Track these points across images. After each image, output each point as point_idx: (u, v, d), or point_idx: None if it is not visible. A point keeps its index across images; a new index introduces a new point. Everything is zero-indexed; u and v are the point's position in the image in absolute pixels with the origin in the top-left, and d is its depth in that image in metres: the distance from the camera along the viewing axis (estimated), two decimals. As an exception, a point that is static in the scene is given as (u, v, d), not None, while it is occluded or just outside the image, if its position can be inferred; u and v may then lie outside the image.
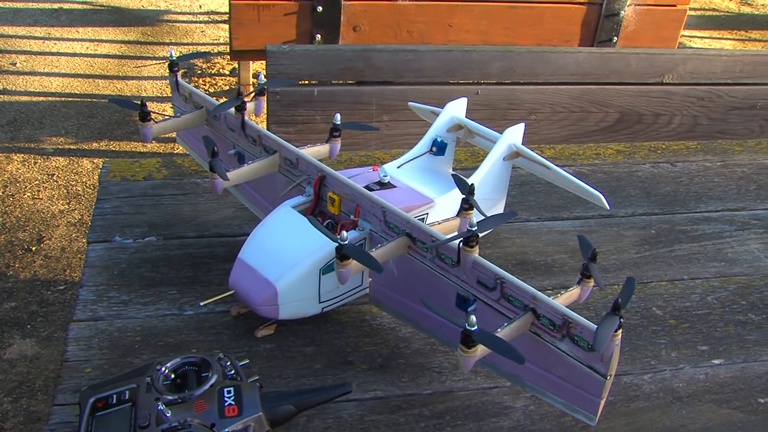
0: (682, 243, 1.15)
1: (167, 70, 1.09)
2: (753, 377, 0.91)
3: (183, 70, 3.43)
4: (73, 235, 2.43)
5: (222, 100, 1.02)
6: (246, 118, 0.99)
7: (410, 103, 1.20)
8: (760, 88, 2.00)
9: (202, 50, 3.69)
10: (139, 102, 0.97)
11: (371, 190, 0.93)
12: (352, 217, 0.89)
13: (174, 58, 1.07)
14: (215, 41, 3.83)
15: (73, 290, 2.19)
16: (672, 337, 0.96)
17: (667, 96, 1.98)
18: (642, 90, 1.97)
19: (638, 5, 2.51)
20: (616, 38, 2.55)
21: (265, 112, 1.77)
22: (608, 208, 1.03)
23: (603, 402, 0.74)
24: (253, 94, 1.04)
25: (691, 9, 3.42)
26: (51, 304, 2.16)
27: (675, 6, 2.57)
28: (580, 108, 1.95)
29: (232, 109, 0.99)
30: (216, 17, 4.10)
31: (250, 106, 1.02)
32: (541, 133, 1.95)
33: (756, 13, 4.87)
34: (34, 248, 2.37)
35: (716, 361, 0.93)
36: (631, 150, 1.42)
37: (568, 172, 1.03)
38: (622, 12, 2.49)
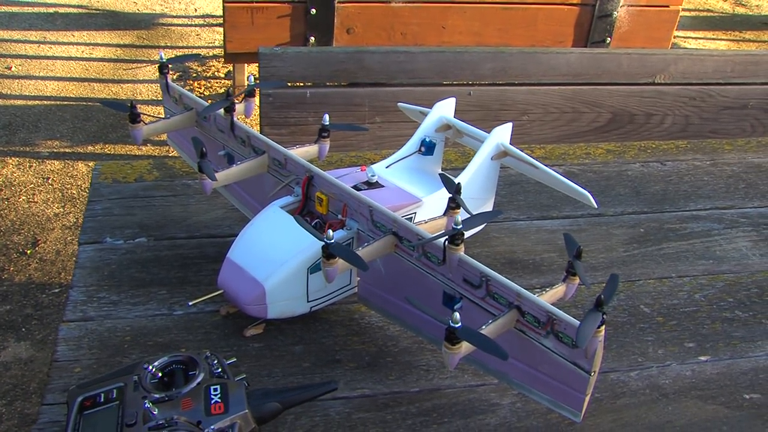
0: (670, 241, 1.16)
1: (158, 73, 1.09)
2: (739, 373, 0.92)
3: (178, 73, 3.45)
4: (68, 239, 2.43)
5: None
6: (235, 119, 1.00)
7: (399, 104, 1.21)
8: (752, 88, 2.01)
9: (191, 54, 3.70)
10: (128, 104, 0.98)
11: (359, 189, 0.93)
12: (339, 216, 0.89)
13: (164, 60, 1.08)
14: (210, 44, 3.83)
15: (67, 293, 2.20)
16: (659, 334, 0.97)
17: (659, 96, 1.99)
18: (634, 90, 1.97)
19: (631, 6, 2.52)
20: (609, 39, 2.56)
21: (258, 114, 1.78)
22: (596, 206, 1.03)
23: (588, 398, 0.75)
24: (243, 95, 1.05)
25: (685, 10, 3.44)
26: (46, 307, 2.16)
27: (668, 6, 2.58)
28: (572, 108, 1.96)
29: (222, 111, 1.00)
30: (211, 20, 4.11)
31: (239, 107, 1.02)
32: (534, 133, 1.96)
33: (750, 13, 4.88)
34: (29, 251, 2.37)
35: (703, 358, 0.94)
36: (621, 149, 1.43)
37: (556, 171, 1.04)
38: (615, 13, 2.49)
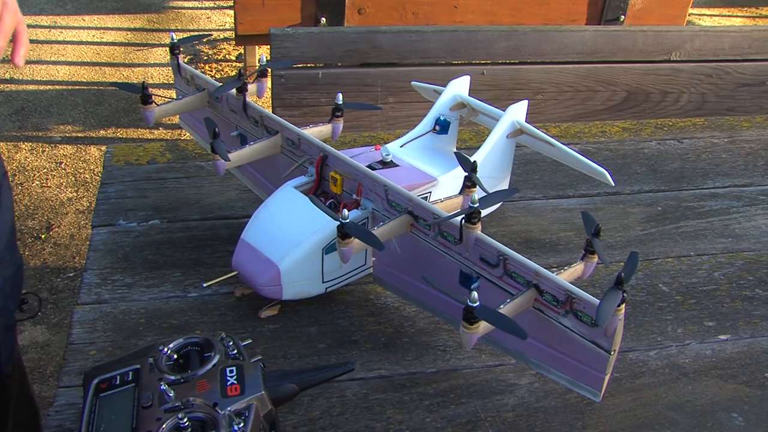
0: (688, 219, 1.14)
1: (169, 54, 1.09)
2: (760, 352, 0.90)
3: (189, 57, 3.43)
4: (82, 223, 2.44)
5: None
6: (248, 99, 0.99)
7: (413, 83, 1.20)
8: (769, 64, 1.98)
9: (202, 33, 3.69)
10: (141, 85, 0.97)
11: (373, 169, 0.92)
12: (354, 196, 0.88)
13: (175, 41, 1.07)
14: (221, 27, 3.82)
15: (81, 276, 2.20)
16: (678, 313, 0.96)
17: (675, 74, 1.96)
18: (649, 68, 1.95)
19: (645, -17, 2.48)
20: (623, 17, 2.52)
21: (270, 95, 1.77)
22: (613, 184, 1.02)
23: (607, 378, 0.74)
24: (255, 75, 1.04)
25: (700, -14, 3.38)
26: (61, 291, 2.17)
27: (683, -17, 2.54)
28: (586, 87, 1.93)
29: (234, 91, 0.99)
30: (221, 3, 4.09)
31: (251, 87, 1.01)
32: (548, 113, 1.94)
33: (766, -11, 4.81)
34: (43, 236, 2.38)
35: (723, 337, 0.93)
36: (638, 127, 1.41)
37: (572, 149, 1.02)
38: (629, -10, 2.46)
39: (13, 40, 0.89)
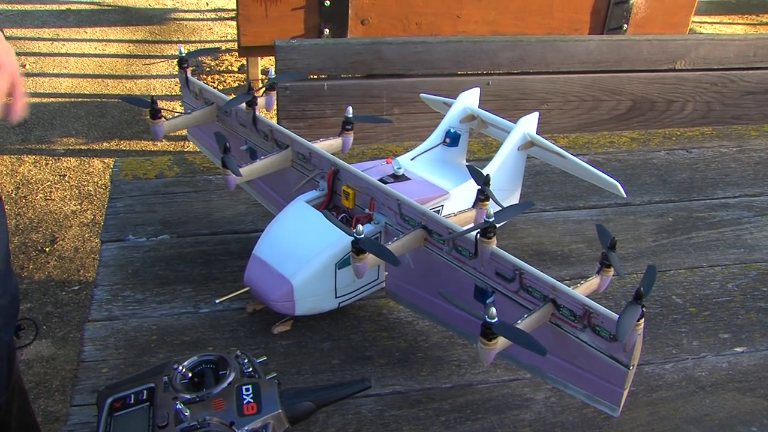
0: (700, 230, 1.14)
1: (177, 68, 1.08)
2: (777, 364, 0.90)
3: (191, 68, 3.44)
4: (86, 236, 2.43)
5: (232, 96, 1.01)
6: (257, 113, 0.98)
7: (422, 95, 1.19)
8: (775, 73, 1.98)
9: (210, 48, 3.69)
10: (149, 99, 0.97)
11: (385, 182, 0.92)
12: (366, 210, 0.88)
13: (183, 55, 1.06)
14: (223, 38, 3.82)
15: (87, 290, 2.20)
16: (693, 325, 0.95)
17: (680, 82, 1.96)
18: (654, 77, 1.94)
19: (648, -8, 2.48)
20: (626, 26, 2.53)
21: (276, 108, 1.76)
22: (625, 196, 1.01)
23: (626, 392, 0.73)
24: (264, 89, 1.03)
25: (701, -6, 3.39)
26: (66, 305, 2.16)
27: (685, -9, 2.54)
28: (592, 96, 1.93)
29: (243, 105, 0.98)
30: (223, 14, 4.10)
31: (261, 101, 1.01)
32: (553, 122, 1.93)
33: (767, -3, 4.82)
34: (47, 249, 2.37)
35: (739, 349, 0.92)
36: (646, 137, 1.40)
37: (584, 161, 1.02)
38: (632, -1, 2.46)
39: (10, 94, 0.89)
